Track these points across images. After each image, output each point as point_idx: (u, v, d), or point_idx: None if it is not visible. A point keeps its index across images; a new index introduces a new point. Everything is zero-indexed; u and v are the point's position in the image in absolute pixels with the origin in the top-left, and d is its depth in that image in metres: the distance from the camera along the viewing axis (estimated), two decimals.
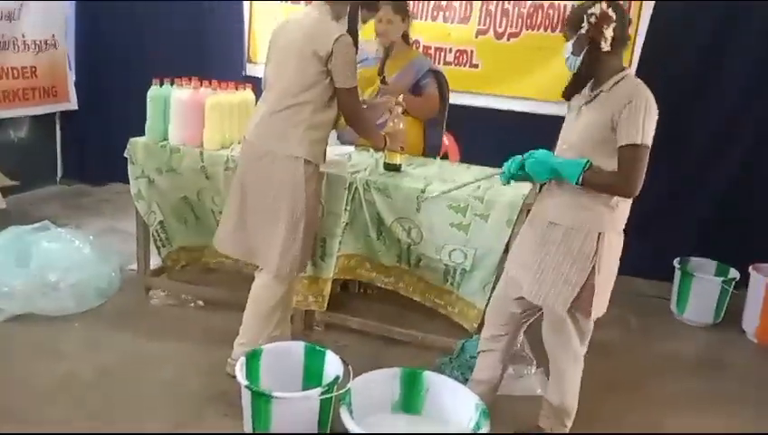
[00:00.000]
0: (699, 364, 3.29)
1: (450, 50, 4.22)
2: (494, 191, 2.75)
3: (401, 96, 3.13)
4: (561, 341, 2.29)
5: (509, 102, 4.16)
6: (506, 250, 2.75)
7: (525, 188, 2.79)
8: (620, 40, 2.11)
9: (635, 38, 3.82)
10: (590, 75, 2.13)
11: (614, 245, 2.18)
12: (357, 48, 2.59)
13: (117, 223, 4.37)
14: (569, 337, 2.27)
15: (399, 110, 3.02)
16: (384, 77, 3.23)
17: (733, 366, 3.31)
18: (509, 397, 2.71)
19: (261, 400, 2.13)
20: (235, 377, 2.35)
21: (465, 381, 2.70)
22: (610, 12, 2.05)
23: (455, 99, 3.53)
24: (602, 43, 2.07)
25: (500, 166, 3.17)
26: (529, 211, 2.69)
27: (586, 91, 2.18)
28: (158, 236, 3.31)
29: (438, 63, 4.13)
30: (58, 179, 5.30)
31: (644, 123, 2.02)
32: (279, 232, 2.55)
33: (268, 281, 2.63)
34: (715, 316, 3.67)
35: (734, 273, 3.68)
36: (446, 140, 3.69)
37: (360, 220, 2.91)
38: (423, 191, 2.78)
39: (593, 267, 2.14)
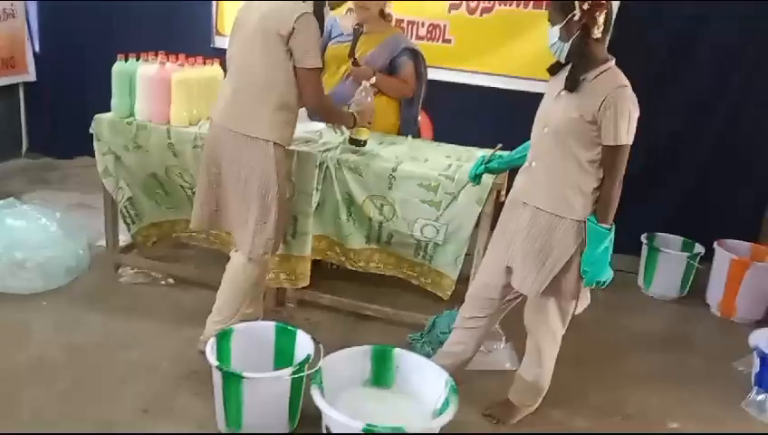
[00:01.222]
0: (664, 338, 3.37)
1: (423, 24, 4.17)
2: (464, 171, 2.76)
3: (373, 78, 3.10)
4: (541, 320, 2.34)
5: (482, 78, 4.14)
6: (476, 225, 2.79)
7: None
8: (608, 27, 2.11)
9: None
10: (581, 62, 2.10)
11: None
12: (322, 30, 2.54)
13: (85, 198, 4.29)
14: (549, 317, 2.32)
15: (368, 84, 2.97)
16: (355, 59, 3.18)
17: (697, 340, 3.41)
18: (478, 372, 2.75)
19: (232, 380, 2.14)
20: (205, 354, 2.37)
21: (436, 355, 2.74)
22: None
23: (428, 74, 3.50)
24: (594, 29, 2.06)
25: (472, 142, 3.24)
26: (499, 191, 2.74)
27: (566, 73, 2.16)
28: (128, 212, 3.27)
29: (411, 38, 4.08)
30: (23, 153, 5.18)
31: (629, 123, 2.05)
32: (251, 215, 2.54)
33: (243, 262, 2.62)
34: (681, 290, 3.76)
35: (699, 248, 3.76)
36: (420, 117, 3.67)
37: (330, 200, 2.90)
38: (394, 170, 2.78)
39: (575, 253, 2.19)
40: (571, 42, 2.10)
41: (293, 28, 2.38)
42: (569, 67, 2.14)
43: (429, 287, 3.07)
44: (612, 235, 2.15)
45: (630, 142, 2.07)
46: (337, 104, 2.84)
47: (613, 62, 2.13)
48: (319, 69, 2.52)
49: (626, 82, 2.09)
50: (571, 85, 2.10)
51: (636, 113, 2.07)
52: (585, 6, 2.04)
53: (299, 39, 2.40)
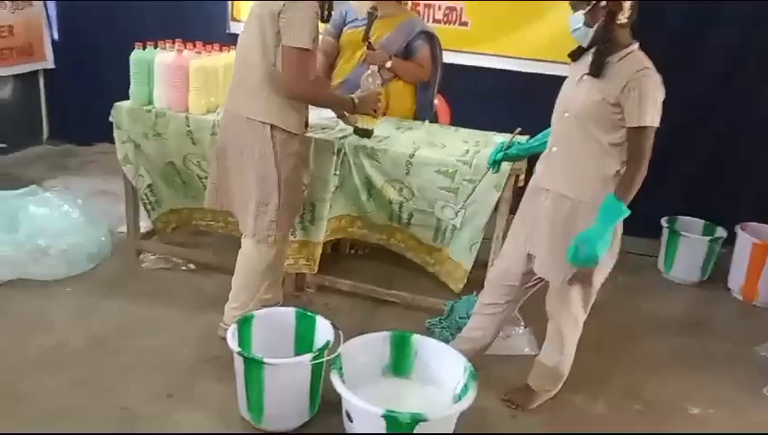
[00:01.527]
0: (685, 322, 3.34)
1: (439, 7, 4.13)
2: (482, 156, 2.75)
3: (389, 62, 3.08)
4: (564, 306, 2.33)
5: (499, 61, 4.10)
6: (495, 210, 2.78)
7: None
8: (634, 11, 2.07)
9: None
10: (606, 47, 2.06)
11: None
12: (329, 13, 2.49)
13: (105, 184, 4.33)
14: (572, 303, 2.31)
15: (375, 68, 2.87)
16: (370, 42, 3.15)
17: (718, 324, 3.37)
18: (497, 356, 2.76)
19: (253, 366, 2.16)
20: (226, 340, 2.40)
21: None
22: None
23: (444, 58, 3.46)
24: (620, 15, 2.03)
25: (489, 126, 3.22)
26: (518, 176, 2.72)
27: (588, 58, 2.13)
28: (148, 199, 3.30)
29: (427, 21, 4.05)
30: (44, 140, 5.23)
31: (654, 105, 2.01)
32: (252, 197, 2.54)
33: (252, 246, 2.63)
34: (702, 274, 3.72)
35: (720, 232, 3.72)
36: (436, 101, 3.66)
37: (350, 184, 2.91)
38: (411, 156, 2.77)
39: None
40: (595, 27, 2.06)
41: (284, 4, 2.32)
42: (591, 52, 2.11)
43: (443, 277, 3.08)
44: (622, 217, 2.09)
45: (656, 125, 2.04)
46: (330, 88, 2.73)
47: (637, 45, 2.09)
48: (306, 51, 2.37)
49: (650, 64, 2.05)
50: (596, 70, 2.06)
51: (661, 96, 2.03)
52: None
53: (287, 15, 2.31)
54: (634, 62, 2.05)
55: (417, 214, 2.97)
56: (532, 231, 2.30)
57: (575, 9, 2.09)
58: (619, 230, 2.23)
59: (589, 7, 2.04)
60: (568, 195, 2.18)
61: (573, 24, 2.10)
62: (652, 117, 2.02)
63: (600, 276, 2.28)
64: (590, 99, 2.09)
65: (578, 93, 2.14)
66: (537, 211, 2.28)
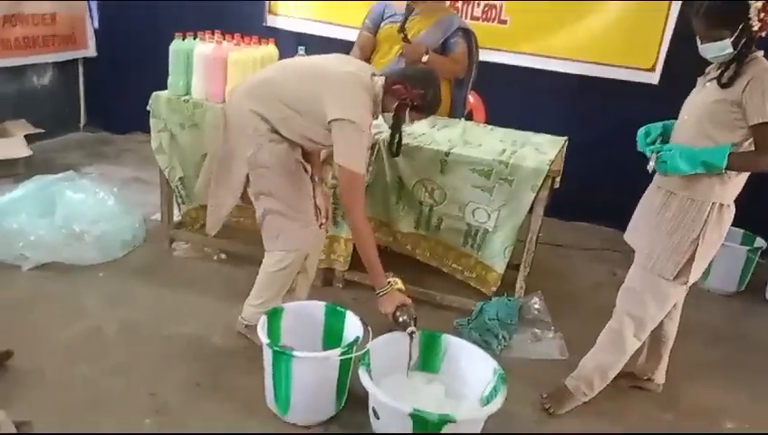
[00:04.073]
0: (722, 334, 3.26)
1: (478, 4, 4.09)
2: (518, 156, 2.71)
3: (425, 56, 3.06)
4: (633, 307, 2.33)
5: (537, 61, 4.04)
6: (530, 212, 2.74)
7: (552, 153, 2.74)
8: None
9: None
10: (741, 60, 2.04)
11: (724, 216, 2.20)
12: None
13: (140, 172, 4.40)
14: (643, 303, 2.31)
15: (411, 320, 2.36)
16: (406, 35, 3.13)
17: (756, 336, 3.28)
18: (527, 360, 2.74)
19: (281, 358, 2.15)
20: (245, 336, 2.40)
21: (483, 342, 2.72)
22: None
23: (481, 56, 3.43)
24: (762, 32, 2.02)
25: (526, 126, 3.17)
26: (554, 178, 2.68)
27: (712, 68, 2.16)
28: (179, 192, 3.32)
29: (465, 18, 4.02)
30: (81, 126, 5.32)
31: None
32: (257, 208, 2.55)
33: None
34: (739, 285, 3.63)
35: (760, 242, 3.63)
36: (472, 99, 3.63)
37: (380, 183, 2.89)
38: (447, 154, 2.74)
39: (699, 236, 2.17)
40: (739, 48, 2.03)
41: (333, 123, 2.27)
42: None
43: (473, 283, 3.04)
44: (712, 161, 2.05)
45: None
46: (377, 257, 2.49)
47: (757, 53, 2.07)
48: (361, 176, 2.33)
49: None
50: (730, 82, 2.05)
51: None
52: (762, 15, 1.98)
53: (339, 130, 2.27)
54: (756, 66, 2.05)
55: (447, 219, 2.94)
56: (642, 224, 2.32)
57: (719, 39, 2.03)
58: (721, 236, 2.23)
59: (735, 34, 2.01)
60: (678, 192, 2.19)
61: (719, 52, 2.05)
62: None
63: (680, 289, 2.31)
64: (710, 99, 2.10)
65: (698, 97, 2.17)
66: (650, 206, 2.30)
